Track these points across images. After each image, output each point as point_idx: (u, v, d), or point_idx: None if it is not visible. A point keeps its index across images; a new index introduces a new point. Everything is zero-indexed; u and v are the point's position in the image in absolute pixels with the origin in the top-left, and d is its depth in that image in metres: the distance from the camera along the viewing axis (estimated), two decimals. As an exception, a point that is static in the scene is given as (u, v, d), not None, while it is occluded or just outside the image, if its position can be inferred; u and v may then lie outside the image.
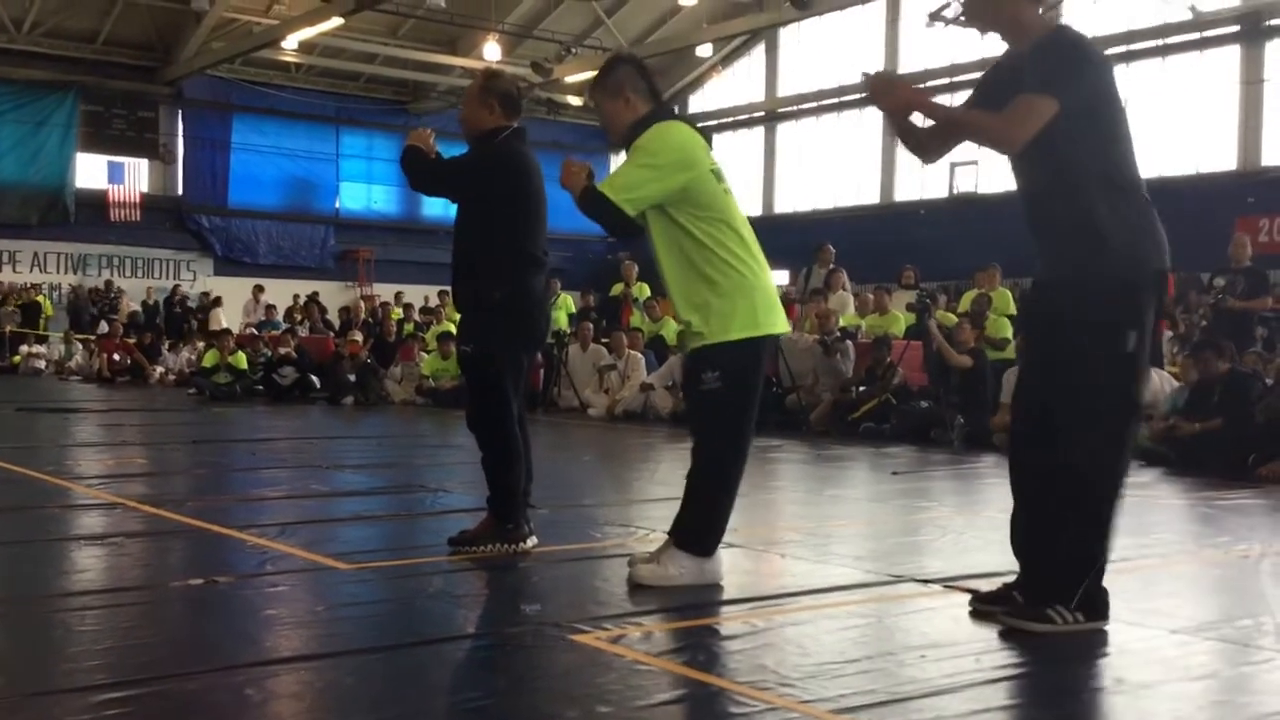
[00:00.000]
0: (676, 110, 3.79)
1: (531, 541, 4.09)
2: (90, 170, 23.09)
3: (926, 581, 3.75)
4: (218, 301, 20.97)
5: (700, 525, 3.58)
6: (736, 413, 3.53)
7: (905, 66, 22.60)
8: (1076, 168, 3.10)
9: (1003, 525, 5.22)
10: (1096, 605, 3.13)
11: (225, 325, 17.74)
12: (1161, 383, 9.00)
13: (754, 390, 3.55)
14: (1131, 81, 19.67)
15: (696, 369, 3.56)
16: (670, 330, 13.05)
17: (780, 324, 3.61)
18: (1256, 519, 5.40)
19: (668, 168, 3.48)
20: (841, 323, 11.56)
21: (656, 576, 3.54)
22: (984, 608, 3.28)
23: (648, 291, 14.65)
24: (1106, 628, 3.12)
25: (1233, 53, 18.53)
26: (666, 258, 3.58)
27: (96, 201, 22.98)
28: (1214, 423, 7.44)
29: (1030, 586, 3.17)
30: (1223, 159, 18.51)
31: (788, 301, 13.02)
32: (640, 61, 3.81)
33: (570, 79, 23.67)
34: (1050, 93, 3.02)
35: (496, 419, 4.05)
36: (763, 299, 3.54)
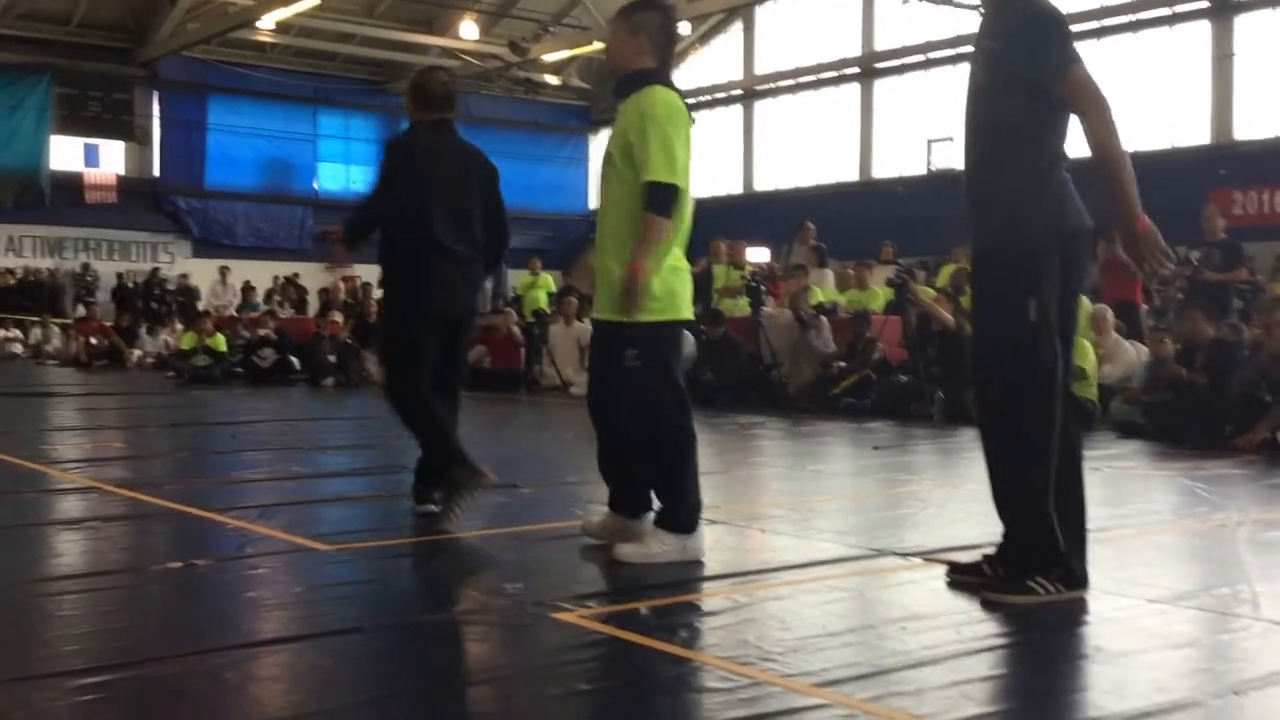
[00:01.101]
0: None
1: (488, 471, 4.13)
2: (66, 153, 22.82)
3: (907, 555, 3.77)
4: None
5: (671, 503, 3.60)
6: (657, 389, 3.57)
7: (880, 44, 22.60)
8: (1021, 143, 3.13)
9: (984, 498, 5.27)
10: (1074, 575, 3.15)
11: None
12: (1138, 354, 9.08)
13: (671, 368, 3.60)
14: (1104, 57, 19.74)
15: (616, 345, 3.57)
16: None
17: (690, 311, 3.67)
18: (1233, 488, 5.45)
19: (676, 137, 3.49)
20: (820, 298, 11.57)
21: (639, 554, 3.55)
22: (959, 579, 3.30)
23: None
24: (1086, 597, 3.15)
25: (1203, 28, 18.61)
26: (617, 221, 3.57)
27: (72, 184, 22.72)
28: (1199, 377, 7.52)
29: (1010, 557, 3.19)
30: (1196, 133, 18.61)
31: (773, 279, 13.03)
32: (674, 16, 3.79)
33: (548, 58, 23.49)
34: (1073, 64, 3.05)
35: (412, 398, 4.14)
36: (683, 286, 3.60)
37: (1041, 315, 3.07)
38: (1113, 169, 3.07)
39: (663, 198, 3.45)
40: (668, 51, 3.68)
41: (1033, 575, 3.10)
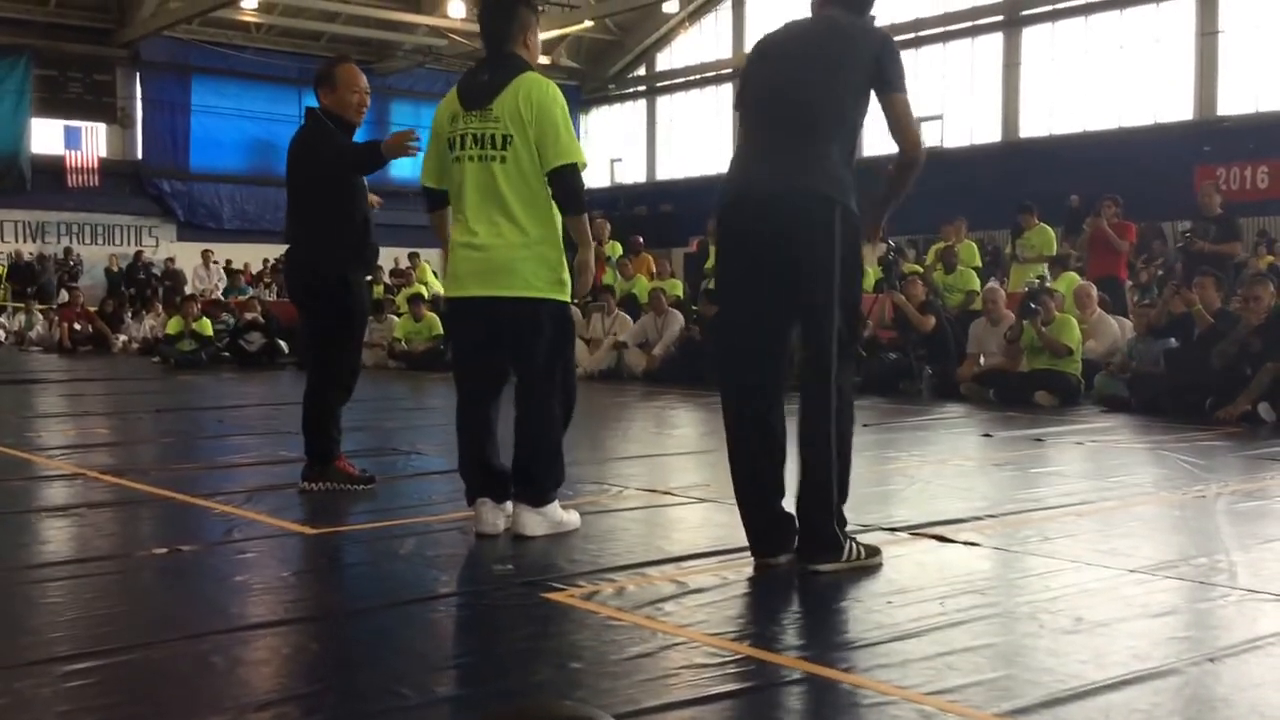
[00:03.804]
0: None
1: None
2: (46, 135, 22.59)
3: (894, 529, 3.80)
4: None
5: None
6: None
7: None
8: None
9: (969, 473, 5.32)
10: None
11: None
12: (1121, 330, 9.14)
13: (454, 344, 3.92)
14: (1091, 35, 19.74)
15: None
16: (642, 288, 13.03)
17: (456, 287, 3.70)
18: (1213, 460, 5.50)
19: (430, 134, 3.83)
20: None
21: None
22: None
23: (620, 250, 14.60)
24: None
25: (1188, 5, 18.62)
26: None
27: (54, 167, 22.51)
28: (1209, 322, 7.61)
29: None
30: (1180, 109, 18.65)
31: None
32: (487, 3, 3.89)
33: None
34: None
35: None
36: (454, 263, 3.71)
37: (716, 278, 3.52)
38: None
39: None
40: (483, 32, 3.78)
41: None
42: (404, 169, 29.26)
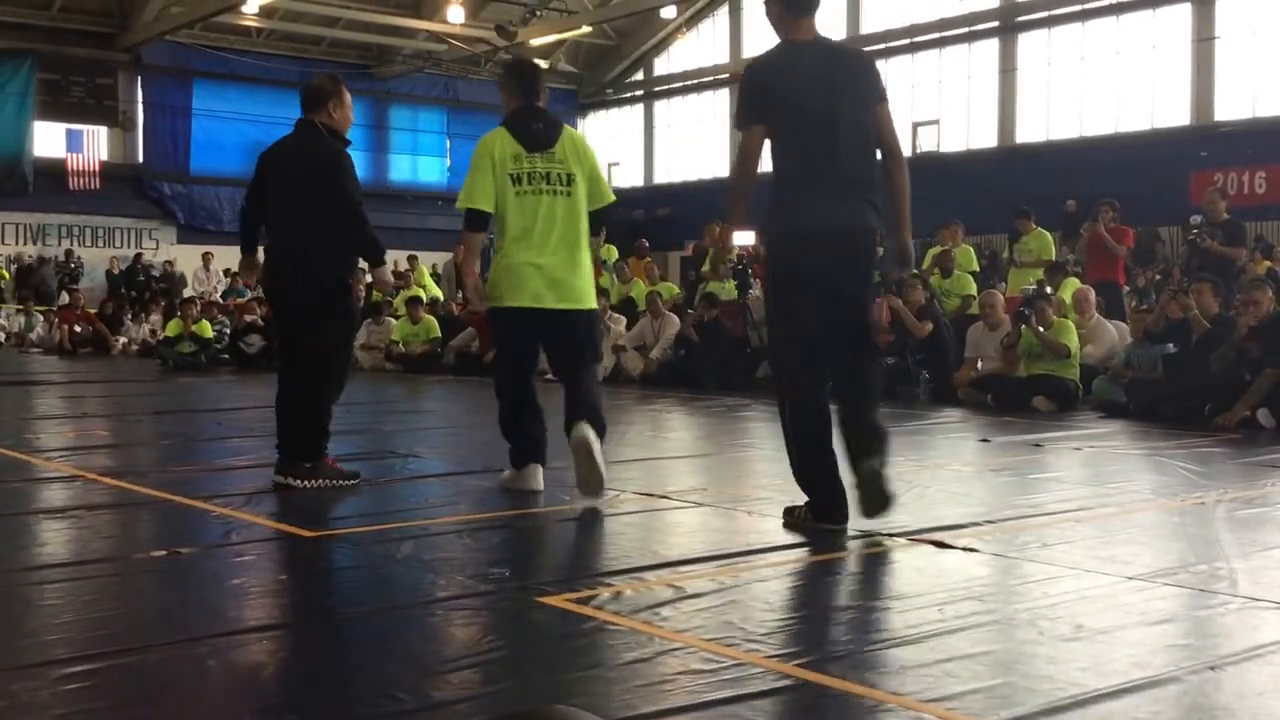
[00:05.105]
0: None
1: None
2: (48, 138, 22.63)
3: (892, 535, 3.80)
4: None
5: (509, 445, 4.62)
6: (495, 359, 4.78)
7: (866, 27, 22.51)
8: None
9: (967, 478, 5.32)
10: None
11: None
12: (1119, 335, 9.15)
13: (501, 343, 4.66)
14: (1087, 41, 19.79)
15: None
16: (639, 291, 13.04)
17: (522, 299, 4.38)
18: (1212, 467, 5.49)
19: (474, 168, 4.44)
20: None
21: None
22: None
23: (615, 254, 14.61)
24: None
25: (1184, 11, 18.65)
26: None
27: (55, 170, 22.55)
28: (1206, 328, 7.60)
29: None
30: (1177, 114, 18.68)
31: (759, 261, 13.05)
32: (513, 65, 4.83)
33: (535, 42, 23.37)
34: (743, 126, 3.91)
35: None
36: (512, 279, 4.39)
37: (771, 301, 4.01)
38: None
39: (465, 219, 4.49)
40: (522, 88, 4.54)
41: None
42: (402, 173, 29.05)
